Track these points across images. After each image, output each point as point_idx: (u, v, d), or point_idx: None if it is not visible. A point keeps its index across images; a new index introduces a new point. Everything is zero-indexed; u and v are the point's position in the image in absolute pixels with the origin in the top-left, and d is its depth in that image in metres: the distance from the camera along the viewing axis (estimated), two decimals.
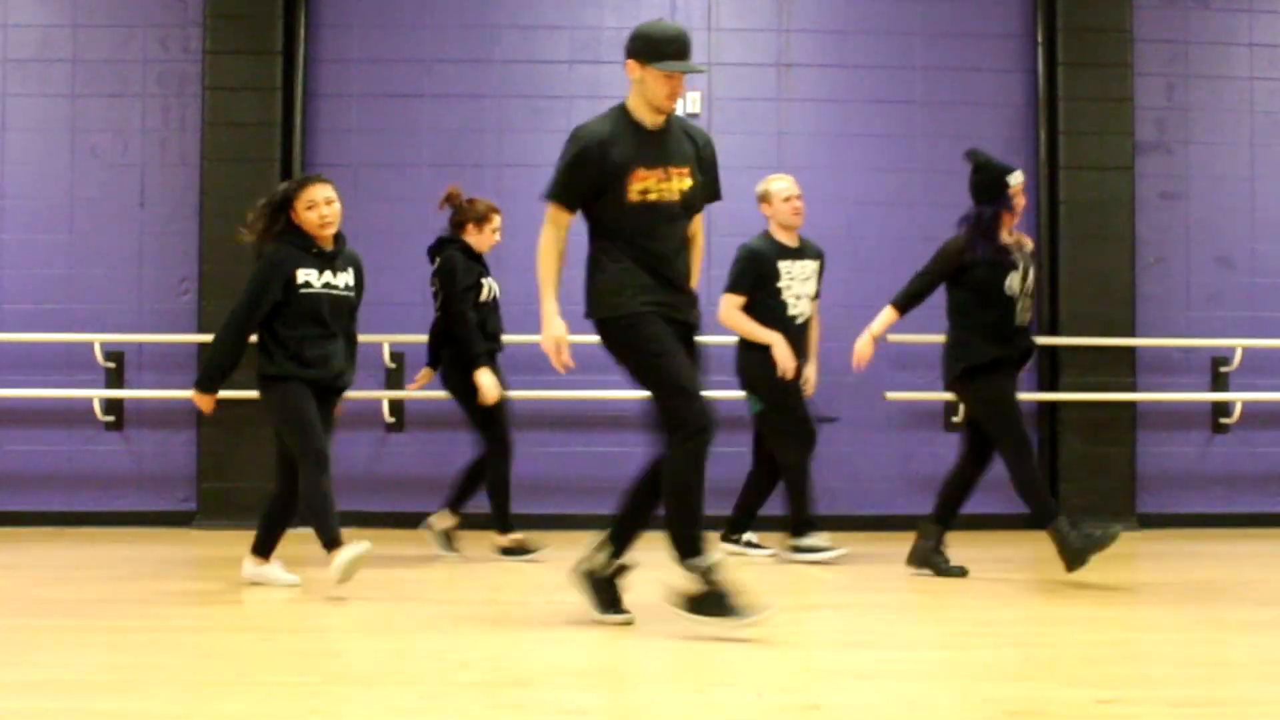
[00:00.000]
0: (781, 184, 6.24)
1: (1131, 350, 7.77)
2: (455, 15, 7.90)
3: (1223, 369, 7.82)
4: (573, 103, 7.70)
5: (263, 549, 5.20)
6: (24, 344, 7.64)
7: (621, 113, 4.26)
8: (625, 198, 4.15)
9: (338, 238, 5.19)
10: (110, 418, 7.66)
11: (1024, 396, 7.76)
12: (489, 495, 6.13)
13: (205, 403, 5.16)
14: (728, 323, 6.14)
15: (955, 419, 7.33)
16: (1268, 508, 7.91)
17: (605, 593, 4.25)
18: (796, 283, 6.13)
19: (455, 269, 6.03)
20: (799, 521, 6.10)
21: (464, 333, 5.97)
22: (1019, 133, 7.93)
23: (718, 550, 5.99)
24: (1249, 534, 7.59)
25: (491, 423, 6.08)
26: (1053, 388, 7.76)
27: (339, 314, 5.13)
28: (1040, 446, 7.77)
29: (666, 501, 4.08)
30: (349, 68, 7.87)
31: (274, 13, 7.64)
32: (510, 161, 7.79)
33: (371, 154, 7.83)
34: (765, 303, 6.08)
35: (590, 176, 4.17)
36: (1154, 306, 7.87)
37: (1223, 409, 7.86)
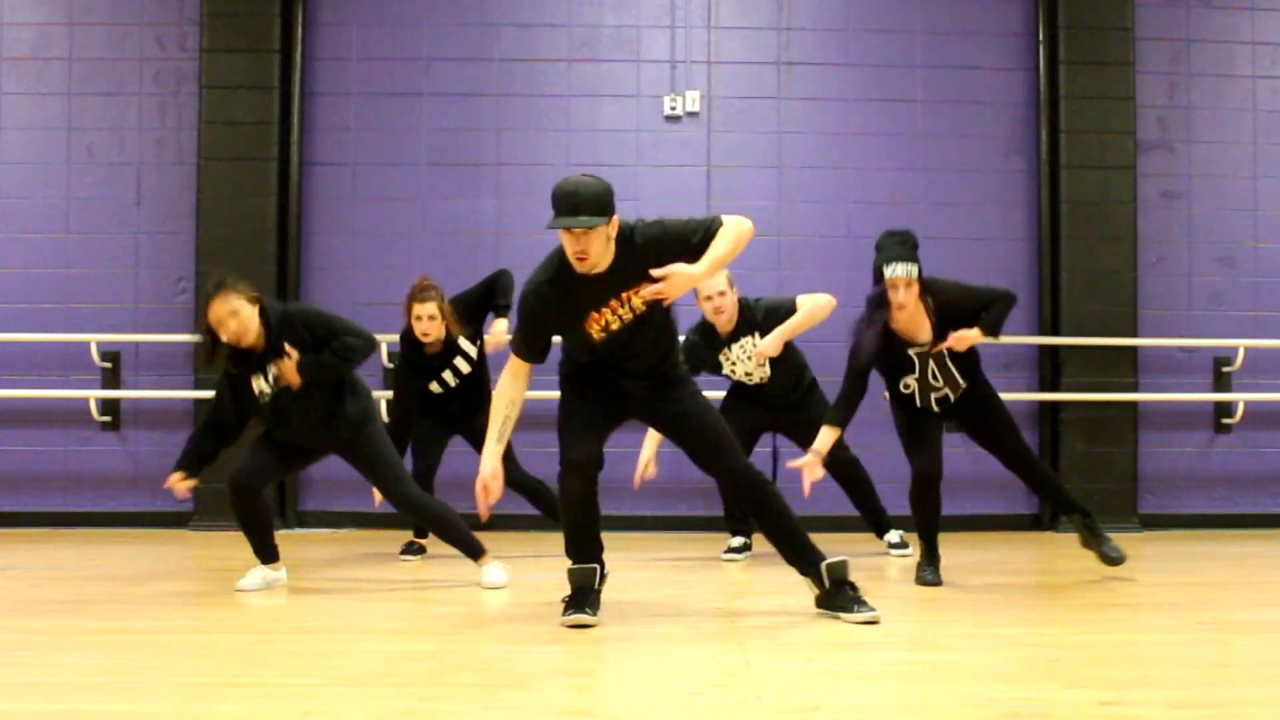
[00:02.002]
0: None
1: (1133, 350, 7.75)
2: (453, 13, 7.87)
3: (1225, 369, 7.79)
4: (571, 101, 7.68)
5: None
6: (20, 344, 7.61)
7: (561, 260, 4.14)
8: (590, 338, 4.22)
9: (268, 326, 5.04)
10: (107, 418, 7.64)
11: (1025, 396, 7.79)
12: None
13: None
14: None
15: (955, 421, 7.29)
16: (1270, 508, 7.89)
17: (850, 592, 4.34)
18: (740, 362, 6.14)
19: None
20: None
21: None
22: (1020, 131, 7.91)
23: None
24: (1251, 535, 7.57)
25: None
26: (1054, 388, 7.74)
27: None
28: (1041, 447, 7.75)
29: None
30: (347, 66, 7.84)
31: (271, 10, 7.61)
32: (509, 160, 7.77)
33: (369, 152, 7.81)
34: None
35: (546, 329, 4.23)
36: (1156, 306, 7.85)
37: (1225, 409, 7.83)
